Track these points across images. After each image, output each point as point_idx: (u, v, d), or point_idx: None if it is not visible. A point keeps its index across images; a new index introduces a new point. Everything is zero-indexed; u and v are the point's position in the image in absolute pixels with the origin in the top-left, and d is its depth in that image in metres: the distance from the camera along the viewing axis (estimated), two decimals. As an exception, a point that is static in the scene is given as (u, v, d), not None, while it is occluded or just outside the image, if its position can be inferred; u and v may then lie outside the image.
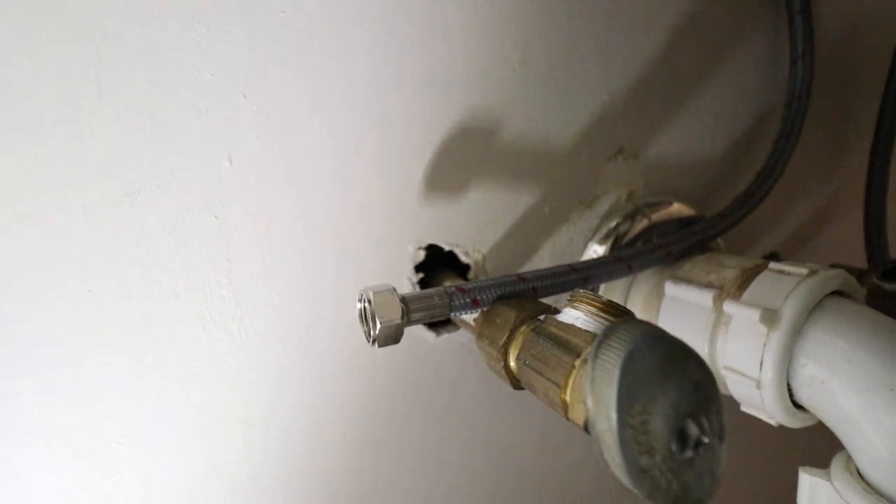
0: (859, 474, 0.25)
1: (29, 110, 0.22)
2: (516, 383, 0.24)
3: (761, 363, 0.26)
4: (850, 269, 0.34)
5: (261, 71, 0.25)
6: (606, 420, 0.15)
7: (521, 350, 0.23)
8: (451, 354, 0.33)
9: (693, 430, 0.16)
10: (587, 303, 0.21)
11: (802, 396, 0.26)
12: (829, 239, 0.47)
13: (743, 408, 0.30)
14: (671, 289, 0.32)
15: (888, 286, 0.35)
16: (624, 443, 0.15)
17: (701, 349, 0.30)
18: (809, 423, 0.28)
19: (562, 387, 0.19)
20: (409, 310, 0.23)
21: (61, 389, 0.25)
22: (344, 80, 0.27)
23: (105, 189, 0.24)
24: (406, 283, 0.31)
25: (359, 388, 0.31)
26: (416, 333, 0.32)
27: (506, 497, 0.37)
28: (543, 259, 0.35)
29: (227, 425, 0.28)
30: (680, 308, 0.32)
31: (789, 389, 0.26)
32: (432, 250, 0.32)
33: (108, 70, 0.23)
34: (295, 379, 0.29)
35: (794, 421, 0.27)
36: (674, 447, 0.16)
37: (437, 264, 0.33)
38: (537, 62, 0.31)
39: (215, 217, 0.26)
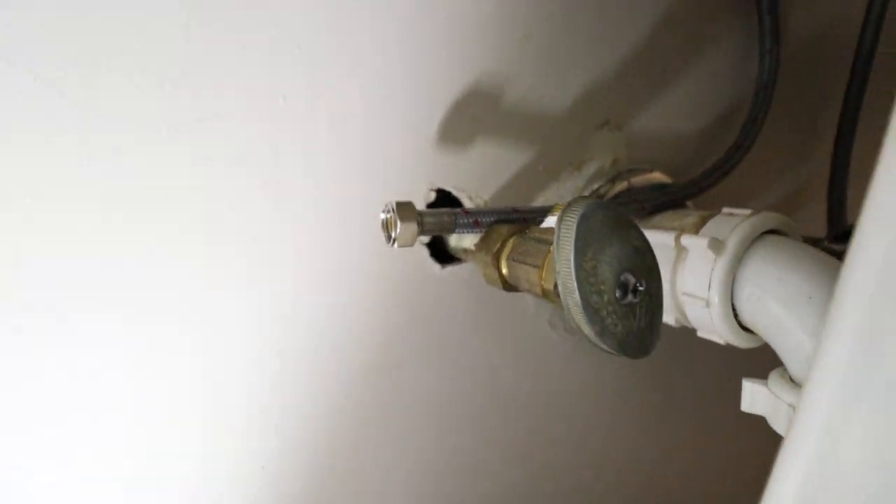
0: (791, 381, 0.30)
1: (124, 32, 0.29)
2: (507, 284, 0.30)
3: (710, 284, 0.31)
4: (806, 239, 0.40)
5: (313, 26, 0.32)
6: (566, 263, 0.21)
7: (510, 252, 0.28)
8: (454, 286, 0.39)
9: (632, 280, 0.22)
10: (560, 208, 0.27)
11: (745, 314, 0.31)
12: (797, 219, 0.53)
13: (699, 333, 0.35)
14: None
15: (837, 247, 0.41)
16: (579, 281, 0.21)
17: (665, 280, 0.35)
18: (753, 343, 0.33)
19: (540, 266, 0.25)
20: (423, 220, 0.29)
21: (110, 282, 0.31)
22: (380, 37, 0.33)
23: (186, 113, 0.30)
24: (419, 217, 0.37)
25: (370, 306, 0.36)
26: (425, 265, 0.38)
27: (493, 414, 0.42)
28: (537, 210, 0.40)
29: (261, 349, 0.34)
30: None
31: (735, 312, 0.32)
32: (441, 194, 0.38)
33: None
34: (326, 281, 0.35)
35: (740, 340, 0.32)
36: (618, 293, 0.22)
37: (448, 203, 0.39)
38: (539, 39, 0.37)
39: (269, 147, 0.32)
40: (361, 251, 0.36)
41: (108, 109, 0.29)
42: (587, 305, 0.21)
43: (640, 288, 0.22)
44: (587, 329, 0.22)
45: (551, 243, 0.25)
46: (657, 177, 0.43)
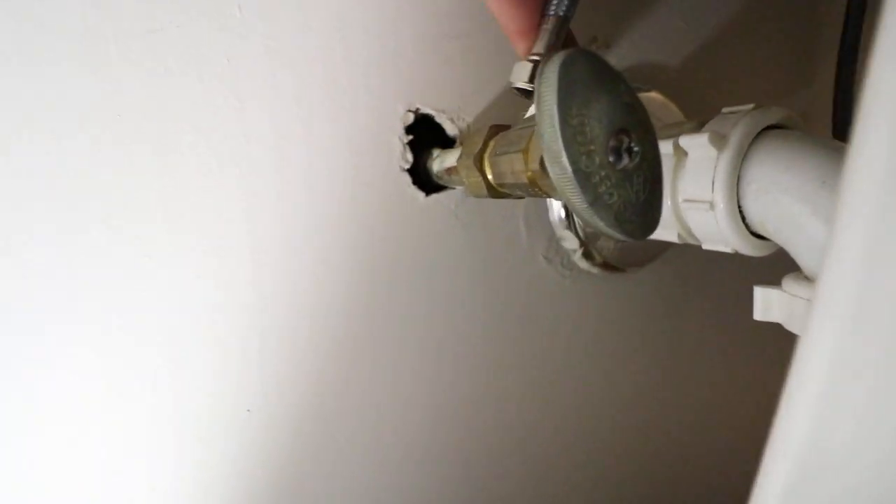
0: (807, 279, 0.28)
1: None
2: (492, 188, 0.27)
3: (713, 184, 0.29)
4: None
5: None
6: (550, 121, 0.18)
7: (492, 149, 0.26)
8: (440, 216, 0.36)
9: (625, 140, 0.19)
10: (547, 93, 0.24)
11: (753, 215, 0.29)
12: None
13: (705, 245, 0.32)
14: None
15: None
16: (566, 140, 0.18)
17: (665, 195, 0.33)
18: (763, 250, 0.31)
19: (524, 150, 0.22)
20: None
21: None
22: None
23: (133, 24, 0.28)
24: (396, 141, 0.34)
25: (355, 234, 0.34)
26: (406, 193, 0.35)
27: (487, 354, 0.39)
28: (524, 133, 0.38)
29: (235, 272, 0.31)
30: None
31: (742, 216, 0.29)
32: (420, 118, 0.35)
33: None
34: (296, 220, 0.32)
35: (749, 245, 0.30)
36: (611, 157, 0.19)
37: (424, 134, 0.36)
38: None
39: (227, 60, 0.30)
40: (331, 179, 0.33)
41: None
42: (577, 170, 0.18)
43: (635, 149, 0.19)
44: (578, 200, 0.19)
45: (533, 125, 0.23)
46: (656, 97, 0.41)
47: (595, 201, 0.19)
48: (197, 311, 0.31)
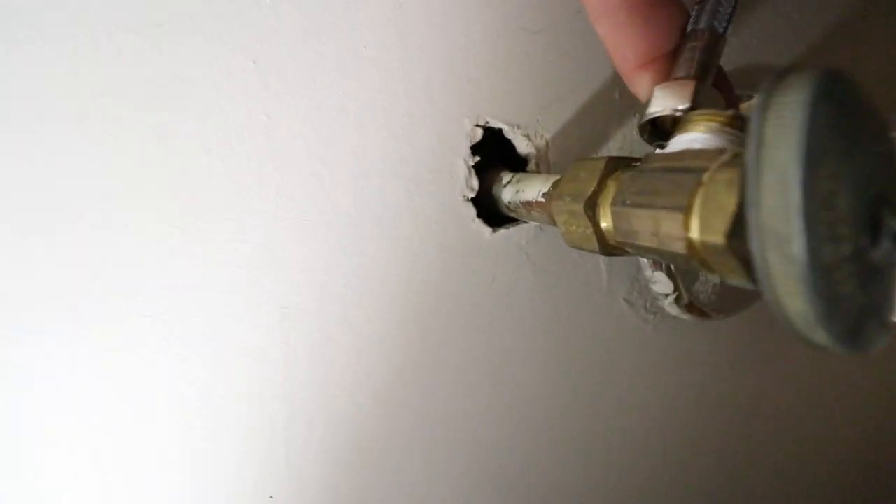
0: None
1: None
2: (606, 244, 0.20)
3: None
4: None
5: None
6: (782, 186, 0.11)
7: (616, 194, 0.19)
8: (507, 254, 0.30)
9: (890, 217, 0.12)
10: (706, 120, 0.17)
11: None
12: None
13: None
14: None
15: None
16: (809, 220, 0.11)
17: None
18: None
19: (685, 208, 0.15)
20: None
21: (80, 254, 0.22)
22: None
23: (131, 16, 0.21)
24: (461, 163, 0.27)
25: (406, 275, 0.27)
26: (470, 228, 0.29)
27: (554, 412, 0.33)
28: (612, 152, 0.31)
29: (263, 307, 0.25)
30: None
31: None
32: (489, 132, 0.28)
33: None
34: (337, 261, 0.26)
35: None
36: (866, 239, 0.12)
37: (490, 157, 0.29)
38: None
39: (253, 62, 0.23)
40: (380, 211, 0.26)
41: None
42: (816, 264, 0.12)
43: (905, 231, 0.12)
44: (806, 307, 0.12)
45: (701, 170, 0.16)
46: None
47: (830, 310, 0.12)
48: (220, 369, 0.25)
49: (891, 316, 0.13)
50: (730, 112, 0.17)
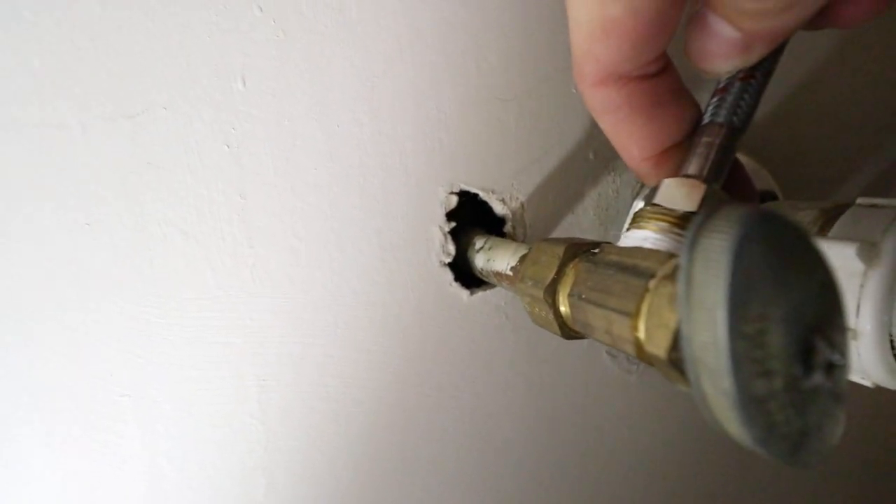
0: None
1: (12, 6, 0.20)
2: (567, 329, 0.20)
3: (858, 309, 0.22)
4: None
5: None
6: (710, 325, 0.12)
7: (573, 285, 0.19)
8: (486, 315, 0.30)
9: (823, 347, 0.12)
10: (657, 219, 0.17)
11: (908, 348, 0.22)
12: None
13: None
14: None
15: None
16: (736, 359, 0.11)
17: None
18: (912, 385, 0.24)
19: (632, 314, 0.16)
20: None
21: (53, 338, 0.22)
22: (368, -5, 0.24)
23: (105, 106, 0.22)
24: (436, 230, 0.28)
25: (385, 343, 0.28)
26: (448, 291, 0.29)
27: (542, 468, 0.33)
28: (588, 211, 0.31)
29: (241, 382, 0.25)
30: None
31: (890, 342, 0.22)
32: (464, 198, 0.29)
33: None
34: (314, 332, 0.26)
35: (895, 380, 0.23)
36: (798, 371, 0.12)
37: (467, 217, 0.30)
38: None
39: (227, 146, 0.24)
40: (357, 279, 0.27)
41: None
42: (745, 399, 0.12)
43: (835, 360, 0.12)
44: (741, 433, 0.12)
45: (648, 275, 0.16)
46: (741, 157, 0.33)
47: (768, 434, 0.12)
48: (199, 444, 0.25)
49: (831, 437, 0.14)
50: (680, 213, 0.17)
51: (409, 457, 0.29)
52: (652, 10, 0.15)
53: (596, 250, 0.20)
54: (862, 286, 0.22)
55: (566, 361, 0.32)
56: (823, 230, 0.25)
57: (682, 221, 0.17)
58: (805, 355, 0.12)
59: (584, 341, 0.33)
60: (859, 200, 0.25)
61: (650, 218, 0.18)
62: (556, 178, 0.30)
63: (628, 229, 0.18)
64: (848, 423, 0.13)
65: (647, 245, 0.17)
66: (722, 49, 0.15)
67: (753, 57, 0.16)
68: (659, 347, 0.14)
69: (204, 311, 0.24)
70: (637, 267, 0.16)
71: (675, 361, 0.14)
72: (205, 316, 0.24)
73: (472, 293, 0.29)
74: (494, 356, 0.30)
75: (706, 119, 0.18)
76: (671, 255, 0.16)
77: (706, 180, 0.17)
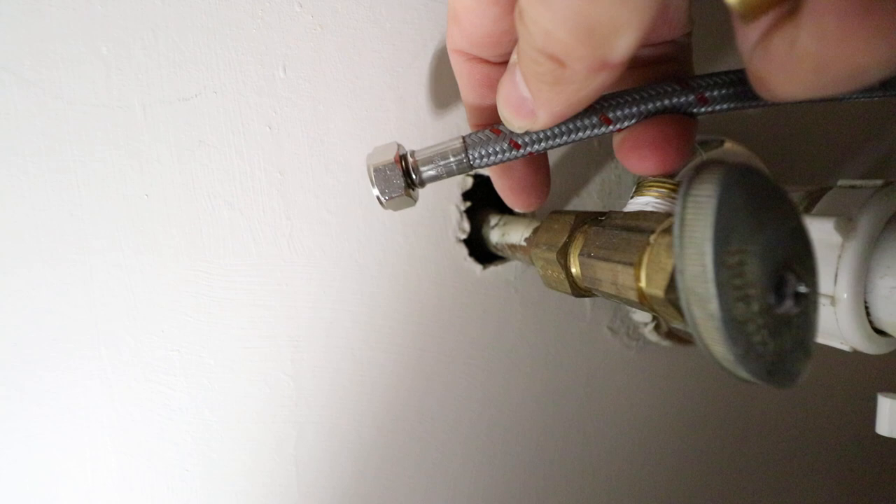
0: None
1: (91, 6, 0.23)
2: (577, 288, 0.23)
3: (836, 277, 0.24)
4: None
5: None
6: (699, 257, 0.14)
7: (583, 246, 0.22)
8: (497, 289, 0.32)
9: (791, 279, 0.15)
10: (657, 186, 0.20)
11: (882, 314, 0.25)
12: None
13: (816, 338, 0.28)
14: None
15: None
16: (720, 285, 0.14)
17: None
18: (886, 349, 0.26)
19: (635, 264, 0.18)
20: (415, 161, 0.19)
21: (115, 299, 0.25)
22: (397, -7, 0.27)
23: (164, 90, 0.24)
24: (454, 209, 0.30)
25: (406, 311, 0.30)
26: (463, 266, 0.31)
27: (548, 434, 0.35)
28: (592, 194, 0.34)
29: (275, 342, 0.28)
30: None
31: (865, 308, 0.25)
32: (479, 179, 0.31)
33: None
34: (342, 298, 0.29)
35: (871, 345, 0.25)
36: (771, 299, 0.15)
37: (481, 197, 0.32)
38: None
39: (269, 127, 0.26)
40: (381, 253, 0.29)
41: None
42: (729, 319, 0.14)
43: (803, 291, 0.15)
44: (725, 351, 0.15)
45: (649, 231, 0.19)
46: (734, 148, 0.36)
47: (746, 354, 0.15)
48: (239, 397, 0.28)
49: (801, 363, 0.16)
50: (677, 181, 0.20)
51: (426, 417, 0.31)
52: (488, 22, 0.16)
53: (602, 217, 0.22)
54: (839, 257, 0.24)
55: (570, 334, 0.35)
56: (808, 209, 0.27)
57: (678, 188, 0.20)
58: (777, 286, 0.15)
59: (586, 317, 0.35)
60: (840, 182, 0.27)
61: (651, 185, 0.20)
62: (563, 165, 0.33)
63: (632, 197, 0.21)
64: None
65: (649, 209, 0.20)
66: (513, 102, 0.16)
67: (537, 124, 0.16)
68: (658, 288, 0.17)
69: (245, 276, 0.27)
70: (639, 226, 0.19)
71: (672, 300, 0.17)
72: (246, 281, 0.27)
73: (484, 268, 0.32)
74: (504, 326, 0.33)
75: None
76: (669, 215, 0.18)
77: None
